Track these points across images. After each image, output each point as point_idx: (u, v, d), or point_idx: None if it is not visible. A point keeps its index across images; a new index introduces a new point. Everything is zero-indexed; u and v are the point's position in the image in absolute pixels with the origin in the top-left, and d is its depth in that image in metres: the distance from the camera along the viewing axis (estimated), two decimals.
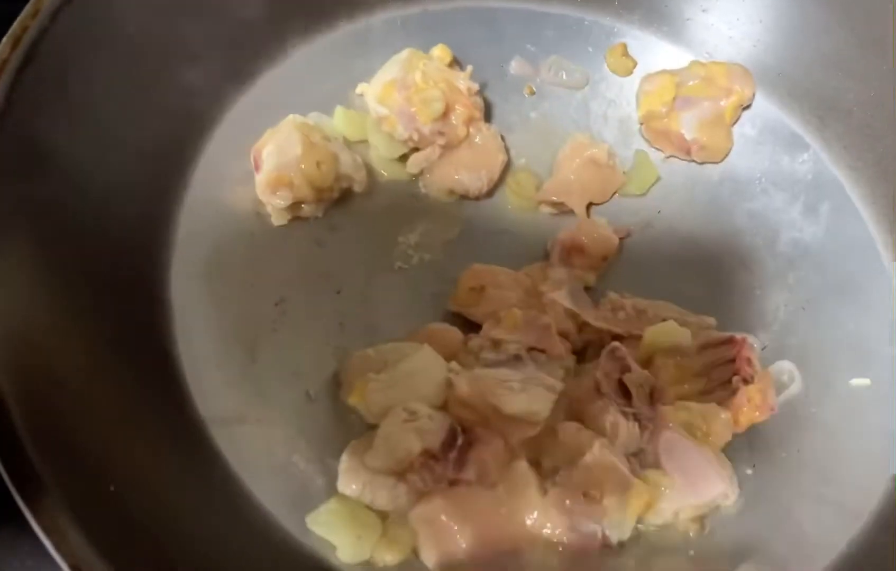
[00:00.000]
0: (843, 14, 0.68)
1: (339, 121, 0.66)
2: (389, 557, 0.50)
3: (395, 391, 0.55)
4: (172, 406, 0.51)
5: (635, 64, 0.74)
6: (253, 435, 0.53)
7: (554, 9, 0.74)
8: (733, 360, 0.59)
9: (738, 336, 0.60)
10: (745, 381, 0.58)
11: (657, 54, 0.74)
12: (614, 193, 0.69)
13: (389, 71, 0.66)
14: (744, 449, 0.58)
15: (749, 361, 0.59)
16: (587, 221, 0.67)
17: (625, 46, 0.74)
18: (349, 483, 0.51)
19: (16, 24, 0.49)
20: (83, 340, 0.48)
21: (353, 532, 0.50)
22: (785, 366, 0.62)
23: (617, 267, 0.66)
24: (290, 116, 0.62)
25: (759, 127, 0.72)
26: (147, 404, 0.50)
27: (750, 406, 0.57)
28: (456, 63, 0.69)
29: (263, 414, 0.54)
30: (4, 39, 0.48)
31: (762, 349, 0.63)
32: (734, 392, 0.57)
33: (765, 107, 0.72)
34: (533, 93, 0.73)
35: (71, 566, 0.36)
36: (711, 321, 0.63)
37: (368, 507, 0.51)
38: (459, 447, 0.52)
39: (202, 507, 0.48)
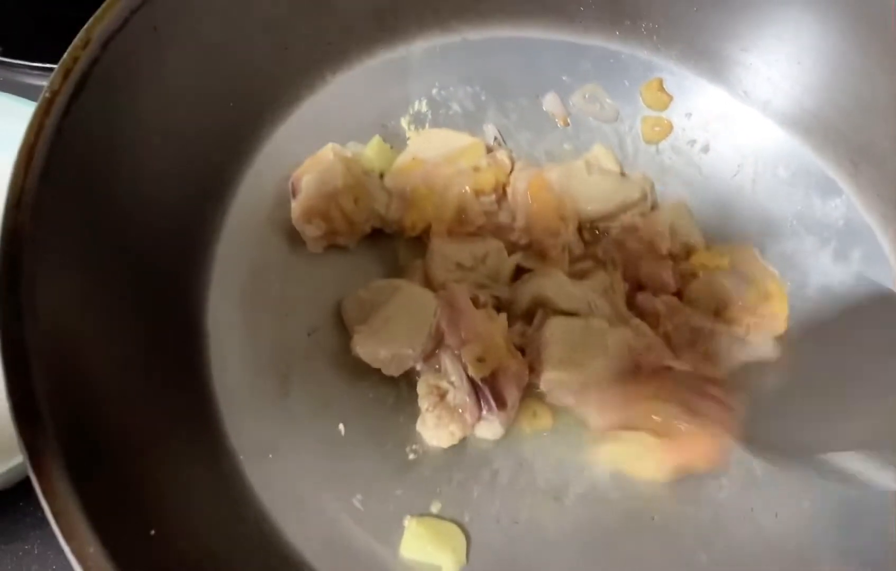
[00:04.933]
0: (882, 59, 0.67)
1: (373, 151, 0.66)
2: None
3: (380, 337, 0.56)
4: (205, 435, 0.52)
5: (671, 99, 0.75)
6: (283, 469, 0.54)
7: (591, 41, 0.74)
8: (714, 398, 0.57)
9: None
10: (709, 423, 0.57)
11: (694, 91, 0.74)
12: None
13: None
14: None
15: (729, 412, 0.57)
16: None
17: (661, 81, 0.75)
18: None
19: (67, 55, 0.49)
20: (120, 360, 0.49)
21: (447, 546, 0.53)
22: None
23: None
24: (330, 145, 0.62)
25: (793, 169, 0.72)
26: (180, 431, 0.51)
27: (698, 451, 0.57)
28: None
29: (294, 448, 0.55)
30: (56, 69, 0.49)
31: None
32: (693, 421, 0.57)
33: (799, 149, 0.72)
34: (567, 124, 0.74)
35: None
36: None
37: (441, 518, 0.54)
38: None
39: (230, 535, 0.49)
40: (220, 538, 0.47)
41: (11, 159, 0.46)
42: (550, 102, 0.74)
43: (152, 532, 0.41)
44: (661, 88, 0.75)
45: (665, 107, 0.75)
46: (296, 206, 0.61)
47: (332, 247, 0.63)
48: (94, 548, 0.39)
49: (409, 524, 0.53)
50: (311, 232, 0.60)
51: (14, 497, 0.55)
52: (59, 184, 0.47)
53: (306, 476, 0.54)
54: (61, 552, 0.55)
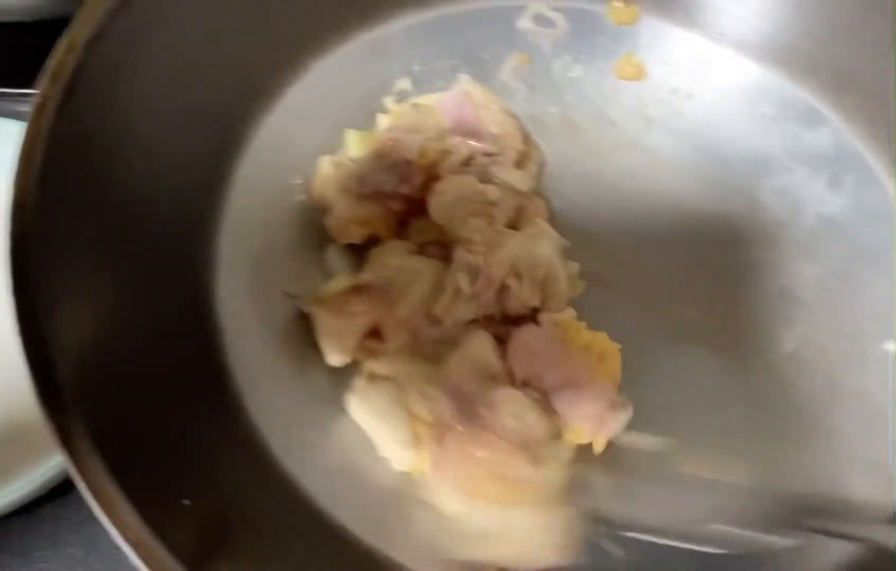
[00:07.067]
0: None
1: (354, 146, 0.66)
2: None
3: None
4: (228, 414, 0.52)
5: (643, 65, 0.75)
6: (306, 439, 0.54)
7: (567, 3, 0.75)
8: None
9: None
10: None
11: (669, 39, 0.75)
12: None
13: None
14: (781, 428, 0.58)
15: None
16: None
17: (629, 54, 0.75)
18: None
19: (53, 61, 0.49)
20: (138, 350, 0.50)
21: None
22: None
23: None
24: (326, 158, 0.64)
25: (778, 105, 0.72)
26: (205, 413, 0.51)
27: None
28: None
29: (315, 419, 0.55)
30: (44, 76, 0.49)
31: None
32: None
33: (781, 84, 0.72)
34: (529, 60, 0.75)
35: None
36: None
37: None
38: None
39: (257, 501, 0.50)
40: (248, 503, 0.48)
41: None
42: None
43: (186, 502, 0.42)
44: (632, 62, 0.75)
45: (642, 76, 0.75)
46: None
47: None
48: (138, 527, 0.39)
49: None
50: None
51: (53, 502, 0.57)
52: (59, 184, 0.47)
53: (329, 442, 0.54)
54: (103, 552, 0.56)
